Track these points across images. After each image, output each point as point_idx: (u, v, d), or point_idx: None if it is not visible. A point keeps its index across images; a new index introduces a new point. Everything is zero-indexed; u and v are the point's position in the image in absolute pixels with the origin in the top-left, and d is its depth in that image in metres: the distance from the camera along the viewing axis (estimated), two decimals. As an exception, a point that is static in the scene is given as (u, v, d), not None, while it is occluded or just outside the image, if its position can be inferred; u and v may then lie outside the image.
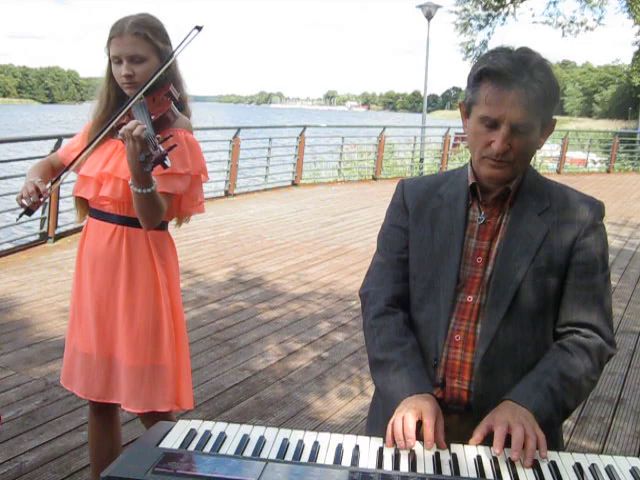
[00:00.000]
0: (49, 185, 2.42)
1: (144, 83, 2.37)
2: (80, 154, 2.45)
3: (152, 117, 2.30)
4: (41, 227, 8.11)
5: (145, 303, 2.50)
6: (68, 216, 8.41)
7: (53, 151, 8.00)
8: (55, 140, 8.05)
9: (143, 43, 2.39)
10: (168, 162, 2.09)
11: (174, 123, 2.43)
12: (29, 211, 2.37)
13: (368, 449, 1.54)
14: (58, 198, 8.06)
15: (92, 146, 2.43)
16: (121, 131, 2.16)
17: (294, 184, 14.18)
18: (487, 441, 1.59)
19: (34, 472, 3.31)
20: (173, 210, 2.52)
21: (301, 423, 3.92)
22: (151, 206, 2.31)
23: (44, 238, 8.03)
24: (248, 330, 5.41)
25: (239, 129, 12.38)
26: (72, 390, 2.69)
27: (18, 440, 3.56)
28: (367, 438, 1.58)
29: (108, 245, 2.48)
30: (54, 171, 2.59)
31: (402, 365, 1.75)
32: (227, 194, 11.92)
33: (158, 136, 2.15)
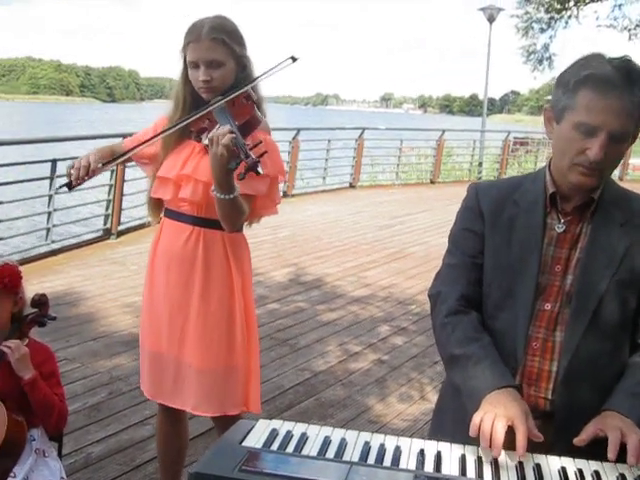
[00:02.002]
0: (101, 165, 2.40)
1: (226, 96, 2.36)
2: (142, 143, 2.46)
3: (236, 122, 2.27)
4: (105, 223, 8.27)
5: (219, 304, 2.49)
6: (131, 213, 8.56)
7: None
8: (120, 139, 8.19)
9: (221, 48, 2.38)
10: (261, 169, 2.08)
11: (258, 127, 2.41)
12: (71, 184, 2.37)
13: (450, 455, 1.52)
14: (122, 195, 8.21)
15: (155, 140, 2.43)
16: (209, 136, 2.16)
17: (352, 186, 14.17)
18: (570, 452, 1.56)
19: (100, 463, 3.37)
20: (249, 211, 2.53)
21: (362, 426, 3.90)
22: (234, 210, 2.32)
23: (107, 234, 8.19)
24: (308, 331, 5.43)
25: (299, 130, 12.43)
26: (143, 391, 2.72)
27: (85, 431, 3.63)
28: (448, 444, 1.56)
29: (184, 246, 2.48)
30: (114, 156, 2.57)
31: (482, 358, 1.72)
32: (285, 195, 11.98)
33: (248, 143, 2.13)
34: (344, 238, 9.06)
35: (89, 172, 2.37)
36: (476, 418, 1.57)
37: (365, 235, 9.38)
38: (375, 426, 3.93)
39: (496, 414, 1.56)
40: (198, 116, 2.37)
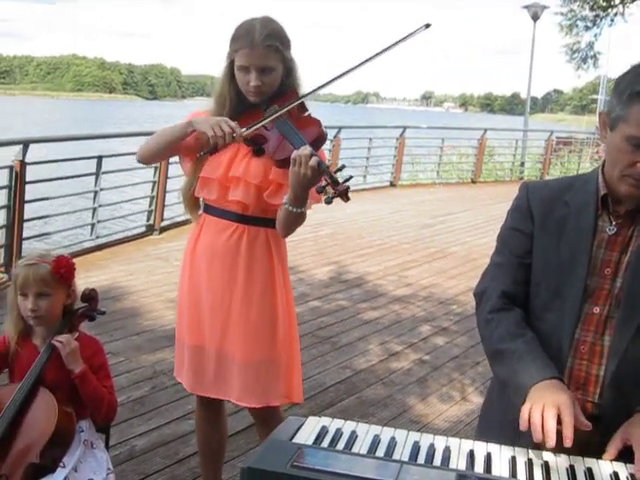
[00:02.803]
0: (244, 130, 2.35)
1: (287, 105, 2.37)
2: (254, 125, 2.38)
3: (305, 137, 2.28)
4: (147, 219, 8.37)
5: (262, 299, 2.52)
6: (173, 210, 8.64)
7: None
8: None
9: (273, 54, 2.39)
10: (349, 196, 2.11)
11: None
12: (215, 149, 2.34)
13: (500, 457, 1.51)
14: (165, 191, 8.30)
15: (260, 124, 2.38)
16: (293, 156, 2.17)
17: (392, 185, 14.13)
18: (618, 456, 1.55)
19: (144, 456, 3.42)
20: None
21: (403, 425, 3.89)
22: (299, 221, 2.37)
23: (150, 230, 8.29)
24: (349, 329, 5.43)
25: (340, 128, 12.43)
26: (182, 382, 2.75)
27: (129, 424, 3.68)
28: (498, 446, 1.56)
29: (227, 242, 2.50)
30: None
31: (526, 353, 1.72)
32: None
33: (330, 168, 2.15)
34: (385, 237, 9.04)
35: (234, 137, 2.34)
36: (524, 411, 1.57)
37: (406, 234, 9.35)
38: (416, 426, 3.91)
39: (544, 404, 1.55)
40: (263, 123, 2.37)
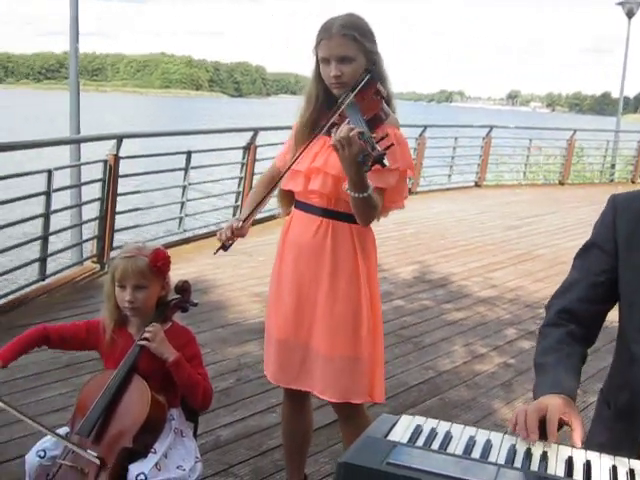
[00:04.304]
0: (241, 224, 2.60)
1: (354, 85, 2.39)
2: (291, 163, 2.52)
3: (365, 116, 2.30)
4: (233, 214, 8.50)
5: (346, 294, 2.54)
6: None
7: (250, 143, 8.38)
8: (251, 132, 8.43)
9: (351, 44, 2.41)
10: (386, 161, 2.09)
11: (385, 121, 2.43)
12: (224, 247, 2.63)
13: (600, 465, 1.46)
14: (251, 187, 8.41)
15: (295, 158, 2.49)
16: (335, 137, 2.19)
17: (477, 185, 13.93)
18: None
19: (229, 447, 3.48)
20: None
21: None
22: (368, 207, 2.36)
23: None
24: (433, 329, 5.38)
25: (425, 127, 12.33)
26: (267, 376, 2.78)
27: (214, 415, 3.74)
28: (597, 453, 1.50)
29: (314, 237, 2.53)
30: (274, 182, 2.68)
31: (551, 368, 1.69)
32: (410, 192, 11.89)
33: (374, 135, 2.15)
34: (469, 237, 8.92)
35: (233, 232, 2.59)
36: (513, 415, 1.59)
37: (491, 235, 9.21)
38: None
39: (529, 406, 1.57)
40: (336, 114, 2.40)
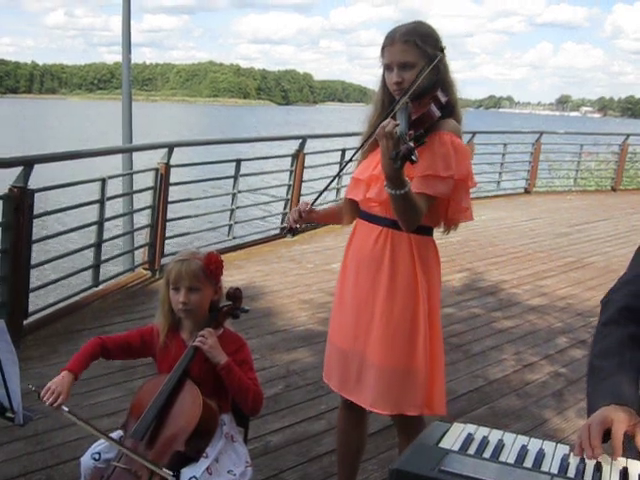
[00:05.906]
0: (309, 207, 2.71)
1: (407, 88, 2.39)
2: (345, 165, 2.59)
3: (412, 117, 2.29)
4: (282, 222, 8.55)
5: (403, 306, 2.51)
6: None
7: (298, 150, 8.42)
8: (299, 140, 8.48)
9: (413, 50, 2.41)
10: (415, 157, 2.04)
11: (438, 125, 2.40)
12: (291, 230, 2.73)
13: (656, 477, 1.44)
14: (299, 195, 8.45)
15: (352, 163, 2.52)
16: (377, 132, 2.19)
17: (527, 192, 13.75)
18: None
19: (278, 452, 3.50)
20: (439, 215, 2.52)
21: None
22: (407, 207, 2.31)
23: (284, 232, 8.44)
24: (482, 337, 5.34)
25: (474, 134, 12.23)
26: (330, 385, 2.77)
27: (264, 420, 3.77)
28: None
29: (373, 247, 2.53)
30: None
31: (612, 375, 1.65)
32: (458, 199, 11.76)
33: (410, 132, 2.12)
34: (519, 245, 8.82)
35: (301, 215, 2.69)
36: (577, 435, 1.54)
37: (541, 242, 9.09)
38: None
39: (593, 418, 1.53)
40: (388, 117, 2.39)
